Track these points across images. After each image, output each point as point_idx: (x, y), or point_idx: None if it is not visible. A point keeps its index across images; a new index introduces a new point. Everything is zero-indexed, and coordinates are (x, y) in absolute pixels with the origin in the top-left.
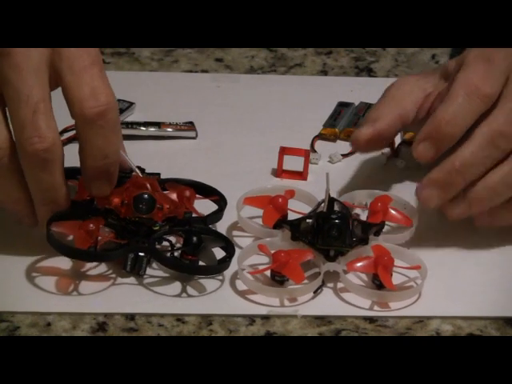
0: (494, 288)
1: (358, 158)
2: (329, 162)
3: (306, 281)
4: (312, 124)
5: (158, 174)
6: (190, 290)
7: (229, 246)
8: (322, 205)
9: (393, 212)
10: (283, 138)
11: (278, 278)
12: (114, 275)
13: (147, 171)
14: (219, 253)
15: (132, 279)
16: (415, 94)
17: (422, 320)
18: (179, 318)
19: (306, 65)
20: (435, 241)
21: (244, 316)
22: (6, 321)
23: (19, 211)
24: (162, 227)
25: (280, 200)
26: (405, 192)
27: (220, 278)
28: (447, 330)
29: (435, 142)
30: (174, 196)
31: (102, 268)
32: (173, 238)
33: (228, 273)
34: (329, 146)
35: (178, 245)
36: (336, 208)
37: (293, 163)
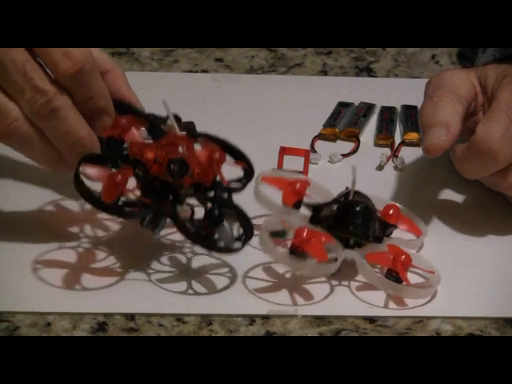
0: (494, 288)
1: (358, 158)
2: (329, 161)
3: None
4: (312, 124)
5: (192, 123)
6: (189, 290)
7: (248, 227)
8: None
9: (405, 220)
10: (283, 138)
11: (297, 254)
12: (114, 275)
13: None
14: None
15: (132, 279)
16: (467, 88)
17: (421, 320)
18: (179, 318)
19: (305, 65)
20: (435, 241)
21: (244, 316)
22: (6, 321)
23: (55, 165)
24: (188, 192)
25: (299, 185)
26: (405, 192)
27: (220, 278)
28: (447, 330)
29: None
30: (204, 154)
31: (102, 266)
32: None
33: (227, 273)
34: (329, 146)
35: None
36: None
37: (293, 163)
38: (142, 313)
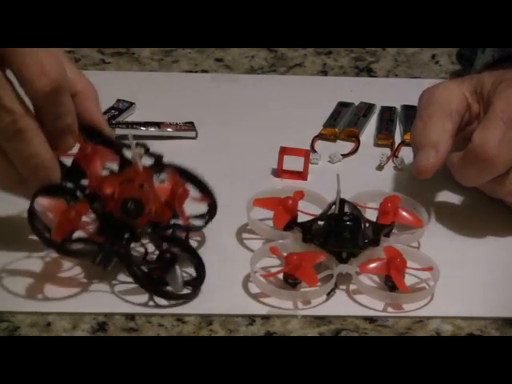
0: (494, 288)
1: (358, 158)
2: (329, 161)
3: (318, 283)
4: (312, 124)
5: (161, 157)
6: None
7: (200, 270)
8: (333, 206)
9: (403, 213)
10: (283, 138)
11: (290, 281)
12: (114, 276)
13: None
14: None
15: (132, 279)
16: (459, 102)
17: (421, 320)
18: (179, 318)
19: (305, 65)
20: (435, 241)
21: (244, 316)
22: (6, 321)
23: (16, 189)
24: (144, 230)
25: (290, 202)
26: (405, 192)
27: (221, 278)
28: (447, 330)
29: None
30: (166, 188)
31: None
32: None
33: (227, 273)
34: (329, 146)
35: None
36: (347, 209)
37: (293, 163)
38: (141, 313)
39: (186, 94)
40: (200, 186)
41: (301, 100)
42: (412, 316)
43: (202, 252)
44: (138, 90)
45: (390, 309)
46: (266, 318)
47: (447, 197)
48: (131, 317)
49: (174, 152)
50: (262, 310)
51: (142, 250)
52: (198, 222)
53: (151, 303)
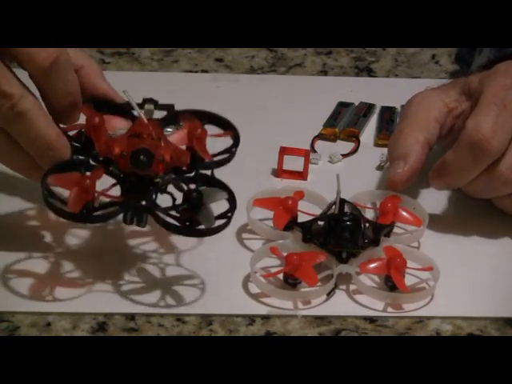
0: (494, 288)
1: (358, 159)
2: (329, 161)
3: (318, 283)
4: (312, 124)
5: (172, 106)
6: (190, 290)
7: (231, 200)
8: (333, 206)
9: (403, 213)
10: (283, 138)
11: (290, 281)
12: (114, 276)
13: None
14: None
15: (132, 279)
16: (437, 110)
17: (421, 320)
18: (179, 318)
19: (305, 65)
20: (435, 241)
21: (244, 316)
22: (6, 321)
23: (30, 173)
24: (164, 178)
25: (290, 202)
26: (404, 192)
27: (221, 278)
28: (447, 330)
29: (446, 182)
30: (183, 134)
31: (102, 266)
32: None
33: (227, 273)
34: (329, 146)
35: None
36: (346, 209)
37: (293, 163)
38: (141, 313)
39: (186, 94)
40: (218, 122)
41: (301, 100)
42: (412, 316)
43: (201, 252)
44: (138, 89)
45: (389, 309)
46: (266, 318)
47: (447, 197)
48: (131, 317)
49: None
50: (262, 310)
51: (169, 199)
52: (224, 156)
53: (151, 303)
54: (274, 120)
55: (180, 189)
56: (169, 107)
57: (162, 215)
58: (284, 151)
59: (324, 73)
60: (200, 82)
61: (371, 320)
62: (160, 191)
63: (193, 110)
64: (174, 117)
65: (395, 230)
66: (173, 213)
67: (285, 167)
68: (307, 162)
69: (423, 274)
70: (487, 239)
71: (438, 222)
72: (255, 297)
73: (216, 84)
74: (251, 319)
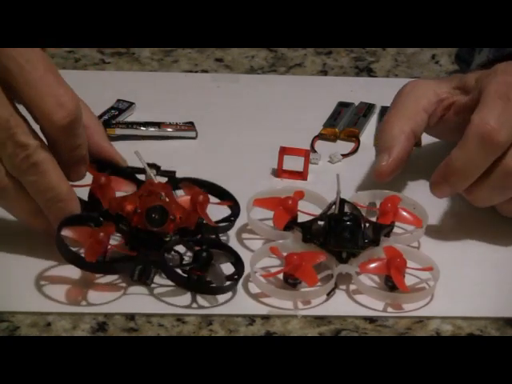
0: (494, 288)
1: (358, 158)
2: (329, 161)
3: (318, 283)
4: (312, 124)
5: (174, 173)
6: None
7: (238, 263)
8: (333, 206)
9: (403, 213)
10: (283, 138)
11: (290, 281)
12: (114, 276)
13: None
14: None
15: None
16: (427, 99)
17: (421, 320)
18: (179, 318)
19: (305, 65)
20: (435, 241)
21: (244, 316)
22: (6, 321)
23: (33, 221)
24: (173, 238)
25: (290, 202)
26: (404, 192)
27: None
28: (447, 330)
29: (451, 185)
30: (186, 199)
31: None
32: (183, 248)
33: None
34: (329, 146)
35: (188, 256)
36: (346, 209)
37: (293, 163)
38: (141, 313)
39: (186, 94)
40: (218, 192)
41: (301, 100)
42: (412, 316)
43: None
44: (138, 89)
45: (389, 309)
46: (266, 318)
47: (447, 197)
48: (131, 317)
49: (174, 152)
50: (262, 310)
51: (176, 257)
52: (224, 224)
53: (151, 303)
54: (274, 120)
55: (189, 248)
56: (170, 174)
57: (173, 269)
58: (284, 151)
59: (324, 73)
60: (200, 81)
61: (371, 320)
62: (169, 250)
63: (193, 179)
64: (174, 183)
65: (395, 229)
66: (179, 270)
67: (285, 167)
68: (307, 162)
69: (423, 274)
70: (487, 239)
71: (438, 222)
72: (255, 297)
73: (216, 84)
74: (251, 319)
